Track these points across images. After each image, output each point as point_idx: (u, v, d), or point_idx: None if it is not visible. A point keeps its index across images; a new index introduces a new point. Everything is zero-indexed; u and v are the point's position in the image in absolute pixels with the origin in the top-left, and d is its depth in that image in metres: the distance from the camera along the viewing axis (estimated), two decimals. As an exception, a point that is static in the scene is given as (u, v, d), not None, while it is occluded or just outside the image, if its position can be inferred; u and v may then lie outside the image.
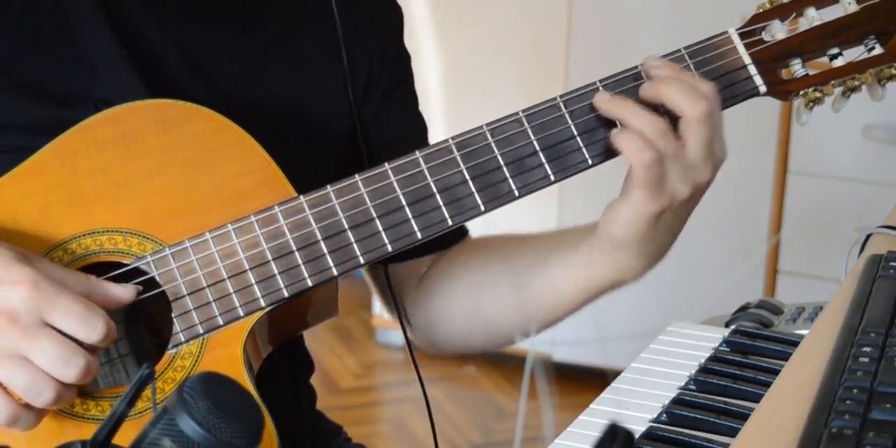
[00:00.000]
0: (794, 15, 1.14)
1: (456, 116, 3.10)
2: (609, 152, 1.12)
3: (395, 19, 1.34)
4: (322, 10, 1.25)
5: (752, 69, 1.13)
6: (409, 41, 1.35)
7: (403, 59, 1.35)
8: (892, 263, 1.09)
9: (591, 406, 1.08)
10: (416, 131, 1.34)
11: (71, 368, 0.99)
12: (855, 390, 0.86)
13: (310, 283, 1.10)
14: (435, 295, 1.31)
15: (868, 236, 1.24)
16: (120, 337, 1.19)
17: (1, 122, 1.13)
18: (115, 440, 0.82)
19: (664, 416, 1.05)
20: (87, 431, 1.06)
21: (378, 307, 3.43)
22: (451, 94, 3.13)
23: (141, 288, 1.07)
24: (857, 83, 1.14)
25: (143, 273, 1.09)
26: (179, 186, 1.10)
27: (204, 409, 0.78)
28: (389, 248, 1.11)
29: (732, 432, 0.98)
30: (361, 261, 1.11)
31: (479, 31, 3.13)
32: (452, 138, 1.12)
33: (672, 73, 1.10)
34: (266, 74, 1.22)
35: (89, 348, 1.01)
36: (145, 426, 0.79)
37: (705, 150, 1.09)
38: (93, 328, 0.99)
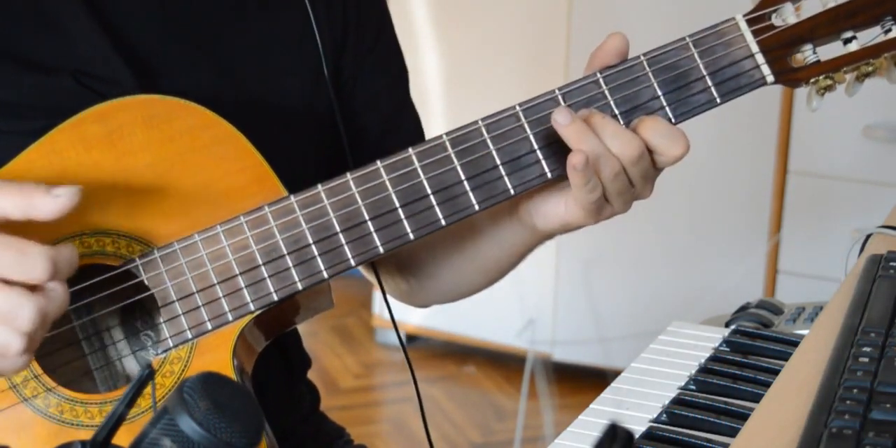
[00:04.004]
0: None
1: (456, 116, 3.09)
2: None
3: None
4: None
5: (760, 58, 1.09)
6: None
7: (378, 12, 1.31)
8: (892, 263, 1.09)
9: (591, 406, 1.08)
10: (394, 84, 1.32)
11: (23, 318, 0.94)
12: (855, 390, 0.86)
13: (300, 287, 1.08)
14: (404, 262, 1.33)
15: (868, 236, 1.24)
16: (118, 339, 1.19)
17: None
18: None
19: (664, 416, 1.05)
20: (78, 437, 1.05)
21: (378, 307, 3.44)
22: (451, 94, 3.13)
23: (80, 187, 0.98)
24: (870, 68, 1.09)
25: (134, 275, 1.08)
26: (168, 185, 1.09)
27: (204, 409, 0.78)
28: (381, 249, 1.09)
29: (732, 432, 0.97)
30: (352, 263, 1.09)
31: (479, 31, 3.13)
32: (447, 134, 1.09)
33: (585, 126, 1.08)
34: (240, 41, 1.20)
35: (49, 288, 0.96)
36: (145, 426, 0.79)
37: (650, 182, 1.10)
38: (31, 269, 0.94)
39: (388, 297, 1.34)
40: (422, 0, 3.14)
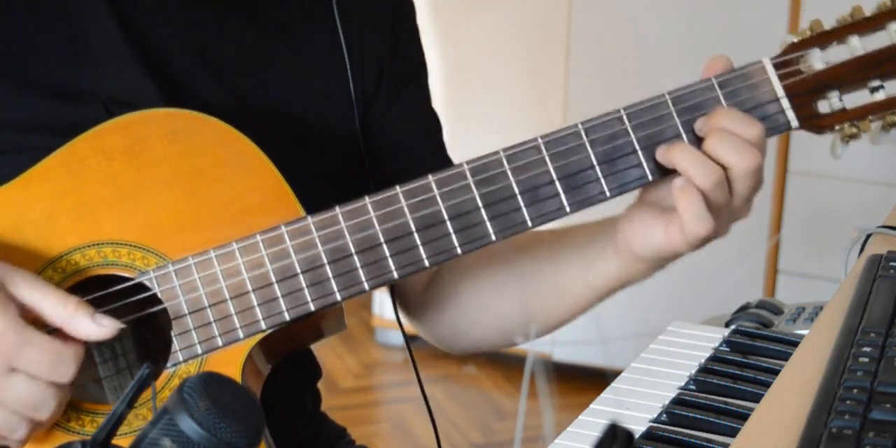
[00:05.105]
0: (835, 43, 1.08)
1: (456, 117, 3.10)
2: (628, 185, 1.09)
3: (406, 10, 1.32)
4: (325, 7, 1.23)
5: (785, 103, 1.08)
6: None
7: (415, 53, 1.32)
8: (892, 263, 1.09)
9: (591, 406, 1.08)
10: (428, 131, 1.32)
11: (43, 411, 1.00)
12: (855, 390, 0.86)
13: (312, 308, 1.08)
14: (443, 294, 1.30)
15: (868, 236, 1.24)
16: (128, 350, 1.19)
17: (7, 121, 1.12)
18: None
19: (664, 416, 1.05)
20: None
21: (378, 307, 3.44)
22: (451, 94, 3.13)
23: (123, 326, 1.05)
24: None
25: (147, 288, 1.08)
26: (186, 199, 1.09)
27: (204, 409, 0.78)
28: (395, 274, 1.08)
29: (732, 432, 0.97)
30: (366, 287, 1.08)
31: (479, 32, 3.13)
32: (467, 163, 1.08)
33: (720, 123, 1.07)
34: (274, 73, 1.21)
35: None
36: (145, 426, 0.79)
37: (751, 195, 1.09)
38: (62, 374, 1.00)
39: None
40: (422, 0, 3.14)
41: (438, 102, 1.36)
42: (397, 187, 1.08)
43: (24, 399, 0.99)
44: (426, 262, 1.08)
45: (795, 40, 1.09)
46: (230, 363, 1.08)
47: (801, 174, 2.82)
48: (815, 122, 1.09)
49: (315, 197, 1.10)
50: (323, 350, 3.41)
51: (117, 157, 1.09)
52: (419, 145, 1.28)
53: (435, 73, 1.38)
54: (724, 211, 1.09)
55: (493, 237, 1.08)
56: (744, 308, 1.33)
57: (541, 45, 3.06)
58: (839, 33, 1.08)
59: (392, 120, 1.27)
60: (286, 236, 1.08)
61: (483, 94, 3.14)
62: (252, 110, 1.17)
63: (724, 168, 1.06)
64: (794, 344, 1.13)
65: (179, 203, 1.09)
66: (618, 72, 2.90)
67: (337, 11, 1.22)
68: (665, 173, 1.09)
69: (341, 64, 1.23)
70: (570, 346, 3.10)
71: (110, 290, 1.07)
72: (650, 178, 1.09)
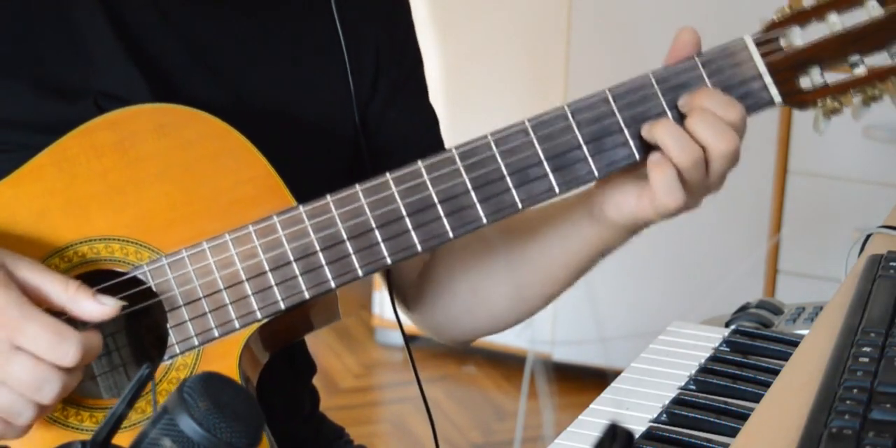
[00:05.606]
0: (814, 20, 1.10)
1: (456, 117, 3.10)
2: (616, 164, 1.09)
3: (403, 6, 1.33)
4: (322, 4, 1.23)
5: (768, 79, 1.09)
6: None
7: (412, 48, 1.32)
8: (892, 263, 1.10)
9: (591, 406, 1.08)
10: (427, 127, 1.32)
11: (46, 392, 0.99)
12: (855, 390, 0.86)
13: (307, 296, 1.08)
14: (435, 282, 1.30)
15: (868, 236, 1.24)
16: (122, 345, 1.19)
17: (4, 119, 1.12)
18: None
19: (664, 416, 1.05)
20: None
21: (378, 307, 3.44)
22: (451, 94, 3.13)
23: (125, 303, 1.05)
24: (877, 92, 1.10)
25: (141, 282, 1.08)
26: (178, 193, 1.09)
27: (204, 409, 0.78)
28: (388, 260, 1.08)
29: (732, 432, 0.98)
30: (360, 273, 1.08)
31: (479, 32, 3.13)
32: (456, 148, 1.09)
33: (702, 103, 1.08)
34: (267, 68, 1.21)
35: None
36: (145, 426, 0.79)
37: (725, 173, 1.11)
38: (64, 354, 0.99)
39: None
40: (422, 0, 3.14)
41: (439, 98, 1.36)
42: (387, 174, 1.09)
43: (26, 379, 0.98)
44: (419, 247, 1.09)
45: (775, 18, 1.11)
46: (227, 354, 1.08)
47: (801, 174, 2.82)
48: (797, 98, 1.11)
49: (312, 194, 1.10)
50: (322, 350, 3.42)
51: (107, 153, 1.09)
52: (417, 142, 1.29)
53: (436, 69, 1.39)
54: (698, 187, 1.10)
55: (485, 220, 1.09)
56: (744, 308, 1.33)
57: (541, 41, 3.06)
58: (818, 11, 1.10)
59: (390, 117, 1.27)
60: (278, 226, 1.08)
61: (483, 93, 3.14)
62: (248, 108, 1.17)
63: (702, 148, 1.08)
64: (794, 344, 1.13)
65: (171, 197, 1.09)
66: (618, 68, 2.90)
67: (335, 8, 1.22)
68: (651, 152, 1.10)
69: (339, 61, 1.23)
70: (570, 346, 3.10)
71: (104, 285, 1.07)
72: (637, 156, 1.09)
